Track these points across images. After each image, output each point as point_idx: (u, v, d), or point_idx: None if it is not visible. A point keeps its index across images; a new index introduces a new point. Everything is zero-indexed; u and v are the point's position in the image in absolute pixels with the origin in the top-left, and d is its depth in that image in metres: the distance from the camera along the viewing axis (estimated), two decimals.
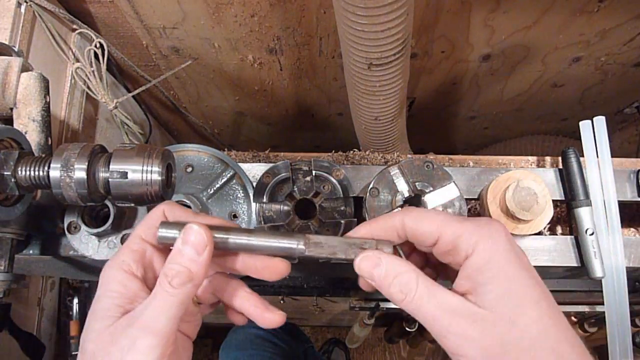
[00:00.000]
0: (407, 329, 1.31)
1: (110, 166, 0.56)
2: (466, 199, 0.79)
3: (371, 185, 0.74)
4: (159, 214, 0.46)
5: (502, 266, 0.38)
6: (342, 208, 0.78)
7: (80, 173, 0.56)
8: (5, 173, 0.59)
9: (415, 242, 0.45)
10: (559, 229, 0.90)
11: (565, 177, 0.80)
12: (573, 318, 1.13)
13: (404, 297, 0.40)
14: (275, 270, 0.46)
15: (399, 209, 0.72)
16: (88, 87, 1.04)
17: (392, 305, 1.10)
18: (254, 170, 0.82)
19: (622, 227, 0.78)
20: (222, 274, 0.48)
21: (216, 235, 0.44)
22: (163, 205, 0.46)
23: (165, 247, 0.44)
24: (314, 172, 0.76)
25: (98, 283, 0.43)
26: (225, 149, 0.91)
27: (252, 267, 0.46)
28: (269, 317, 0.46)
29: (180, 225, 0.43)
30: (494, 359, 0.36)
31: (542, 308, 0.37)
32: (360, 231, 0.47)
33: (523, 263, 0.39)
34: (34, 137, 0.75)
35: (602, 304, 0.78)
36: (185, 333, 0.48)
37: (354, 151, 0.92)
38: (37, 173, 0.59)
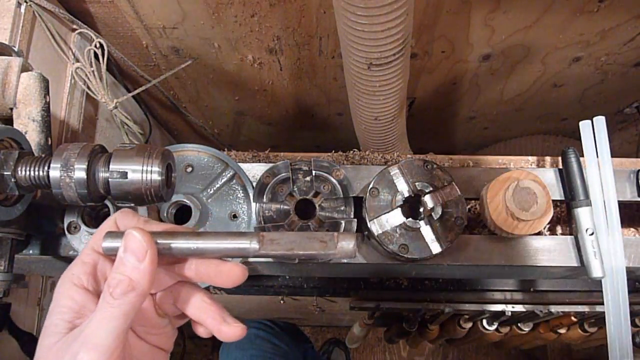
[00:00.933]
0: (407, 329, 1.31)
1: (110, 166, 0.56)
2: (466, 199, 0.79)
3: (371, 185, 0.74)
4: (111, 224, 0.44)
5: None
6: (342, 208, 0.78)
7: (80, 173, 0.56)
8: (5, 173, 0.59)
9: None
10: (559, 229, 0.90)
11: (565, 177, 0.80)
12: (573, 318, 1.13)
13: None
14: (229, 275, 0.43)
15: (399, 209, 0.72)
16: (88, 87, 1.04)
17: (392, 305, 1.10)
18: (254, 170, 0.82)
19: (622, 227, 0.78)
20: (182, 283, 0.46)
21: (159, 240, 0.41)
22: (116, 214, 0.45)
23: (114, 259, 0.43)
24: (314, 172, 0.76)
25: None
26: (225, 149, 0.91)
27: (204, 273, 0.43)
28: (226, 330, 0.43)
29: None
30: None
31: None
32: None
33: None
34: (34, 137, 0.75)
35: (602, 304, 0.78)
36: (157, 346, 0.46)
37: (354, 151, 0.92)
38: (37, 173, 0.59)
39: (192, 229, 0.45)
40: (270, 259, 0.79)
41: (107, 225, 0.44)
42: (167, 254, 0.42)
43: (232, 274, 0.43)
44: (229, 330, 0.43)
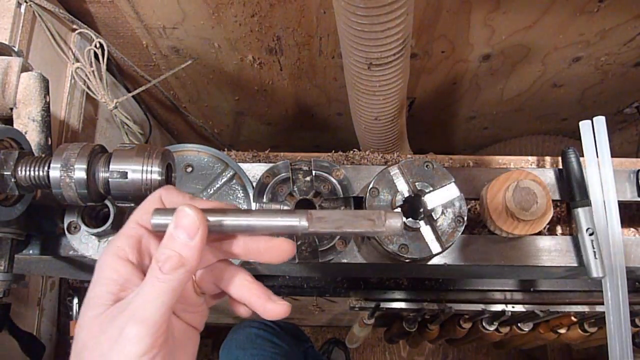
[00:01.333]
0: (407, 329, 1.31)
1: (110, 166, 0.56)
2: (466, 199, 0.79)
3: (371, 185, 0.74)
4: (156, 199, 0.44)
5: None
6: (342, 208, 0.78)
7: (80, 173, 0.56)
8: (5, 173, 0.59)
9: None
10: (559, 229, 0.90)
11: (565, 177, 0.80)
12: (573, 318, 1.13)
13: None
14: (279, 250, 0.43)
15: (399, 209, 0.72)
16: (88, 87, 1.04)
17: (392, 305, 1.10)
18: (254, 170, 0.82)
19: (622, 227, 0.78)
20: (223, 262, 0.46)
21: (210, 218, 0.41)
22: (160, 190, 0.44)
23: (161, 234, 0.43)
24: (314, 172, 0.76)
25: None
26: (225, 149, 0.91)
27: (254, 249, 0.44)
28: (272, 307, 0.44)
29: (174, 211, 0.41)
30: None
31: None
32: None
33: None
34: (34, 137, 0.75)
35: (602, 304, 0.78)
36: (190, 324, 0.46)
37: (354, 151, 0.92)
38: (37, 173, 0.59)
39: (238, 206, 0.45)
40: None
41: (153, 199, 0.43)
42: (218, 231, 0.42)
43: (282, 249, 0.43)
44: (276, 308, 0.44)
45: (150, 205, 0.43)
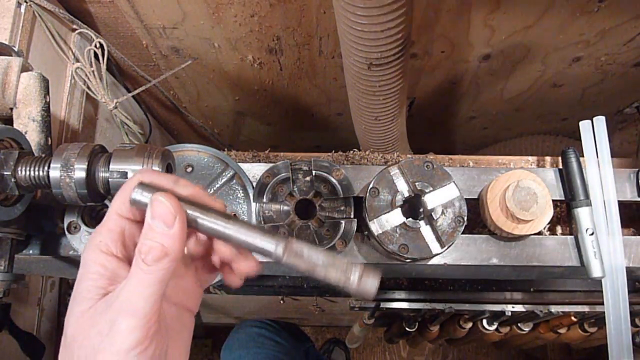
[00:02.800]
0: (407, 329, 1.31)
1: (110, 166, 0.56)
2: (466, 199, 0.79)
3: (371, 185, 0.74)
4: (134, 185, 0.42)
5: None
6: (342, 208, 0.78)
7: (80, 173, 0.56)
8: (5, 173, 0.59)
9: None
10: (559, 229, 0.90)
11: (565, 177, 0.80)
12: (573, 318, 1.13)
13: None
14: (246, 267, 0.44)
15: (399, 209, 0.72)
16: (88, 87, 1.04)
17: (392, 305, 1.10)
18: (254, 170, 0.82)
19: (622, 227, 0.78)
20: None
21: (188, 211, 0.40)
22: (137, 175, 0.42)
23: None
24: (314, 172, 0.76)
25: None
26: (225, 149, 0.91)
27: (223, 251, 0.44)
28: (246, 263, 0.45)
29: (157, 189, 0.40)
30: None
31: None
32: None
33: None
34: (34, 137, 0.75)
35: (602, 304, 0.78)
36: (185, 305, 0.46)
37: (354, 151, 0.92)
38: (37, 173, 0.59)
39: (218, 200, 0.44)
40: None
41: (130, 186, 0.42)
42: (194, 227, 0.41)
43: (250, 267, 0.44)
44: (249, 263, 0.45)
45: (127, 194, 0.41)
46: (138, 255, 0.37)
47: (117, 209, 0.41)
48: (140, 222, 0.41)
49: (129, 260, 0.40)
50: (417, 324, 1.29)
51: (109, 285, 0.39)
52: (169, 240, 0.38)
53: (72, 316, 0.39)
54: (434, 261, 0.77)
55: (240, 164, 0.80)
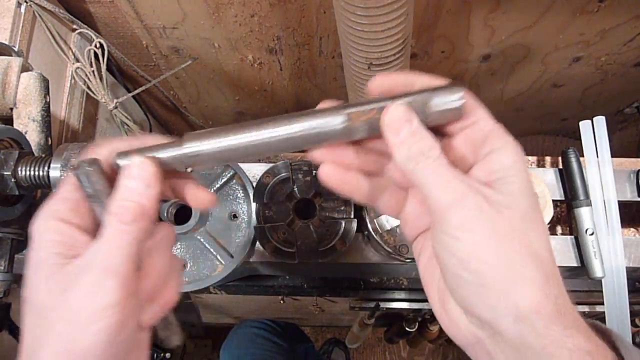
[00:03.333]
0: (407, 329, 1.31)
1: None
2: None
3: None
4: (94, 154, 0.41)
5: (523, 171, 0.37)
6: (342, 208, 0.78)
7: None
8: (5, 173, 0.59)
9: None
10: (559, 229, 0.90)
11: (565, 177, 0.80)
12: None
13: (424, 158, 0.36)
14: (201, 198, 0.44)
15: None
16: (88, 87, 1.04)
17: (392, 305, 1.10)
18: (254, 170, 0.82)
19: (622, 227, 0.78)
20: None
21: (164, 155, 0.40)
22: (92, 147, 0.41)
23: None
24: (314, 171, 0.76)
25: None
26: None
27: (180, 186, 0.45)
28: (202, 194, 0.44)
29: (136, 152, 0.40)
30: (503, 237, 0.35)
31: (545, 225, 0.39)
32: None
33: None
34: (34, 137, 0.75)
35: (602, 304, 0.78)
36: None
37: None
38: (37, 173, 0.59)
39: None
40: (270, 259, 0.80)
41: (91, 155, 0.41)
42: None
43: (205, 197, 0.44)
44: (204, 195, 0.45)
45: (87, 159, 0.40)
46: (113, 217, 0.37)
47: (74, 180, 0.40)
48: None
49: (85, 229, 0.40)
50: (417, 324, 1.29)
51: (69, 250, 0.38)
52: (147, 200, 0.38)
53: (36, 284, 0.37)
54: None
55: (240, 164, 0.80)
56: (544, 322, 0.34)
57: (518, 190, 0.36)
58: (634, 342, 0.79)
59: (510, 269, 0.34)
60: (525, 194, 0.37)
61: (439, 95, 0.40)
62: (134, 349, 0.40)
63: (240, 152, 0.39)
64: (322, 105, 0.41)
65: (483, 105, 0.41)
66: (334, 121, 0.38)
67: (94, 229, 0.40)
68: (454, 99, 0.39)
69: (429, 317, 1.27)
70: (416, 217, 0.44)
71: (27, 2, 0.88)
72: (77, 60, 1.03)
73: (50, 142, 0.77)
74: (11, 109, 0.76)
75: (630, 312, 0.77)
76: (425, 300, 1.08)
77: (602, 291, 0.78)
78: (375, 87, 0.42)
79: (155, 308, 0.41)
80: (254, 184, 0.78)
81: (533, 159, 0.91)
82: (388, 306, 1.10)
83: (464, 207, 0.35)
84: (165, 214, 0.74)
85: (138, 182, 0.38)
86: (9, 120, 0.77)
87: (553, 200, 0.76)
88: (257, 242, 0.78)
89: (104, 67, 1.04)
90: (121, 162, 0.39)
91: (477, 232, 0.35)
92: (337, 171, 0.41)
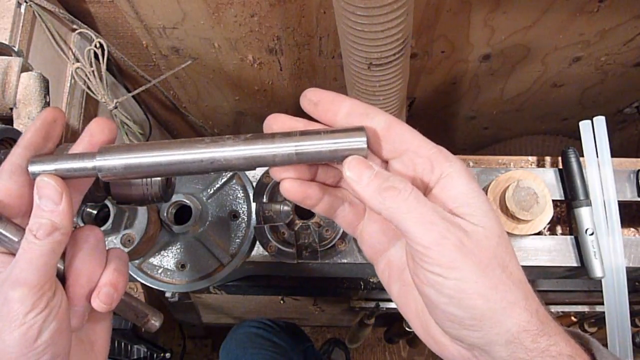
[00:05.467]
0: (407, 329, 1.31)
1: None
2: None
3: None
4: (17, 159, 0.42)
5: (478, 190, 0.39)
6: None
7: None
8: None
9: (386, 146, 0.41)
10: (559, 229, 0.90)
11: (565, 177, 0.80)
12: (573, 318, 1.13)
13: (397, 194, 0.36)
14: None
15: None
16: (88, 87, 1.04)
17: (392, 305, 1.10)
18: (254, 170, 0.82)
19: (622, 227, 0.78)
20: None
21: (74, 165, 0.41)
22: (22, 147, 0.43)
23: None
24: None
25: None
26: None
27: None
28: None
29: (51, 157, 0.42)
30: (486, 269, 0.36)
31: (500, 225, 0.40)
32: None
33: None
34: None
35: (602, 304, 0.78)
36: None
37: None
38: None
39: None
40: (270, 259, 0.79)
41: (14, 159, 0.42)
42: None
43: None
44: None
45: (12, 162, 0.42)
46: (29, 233, 0.40)
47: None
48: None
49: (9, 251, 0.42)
50: None
51: None
52: (58, 216, 0.40)
53: None
54: None
55: None
56: (532, 337, 0.36)
57: (484, 214, 0.38)
58: (634, 342, 0.79)
59: (500, 298, 0.36)
60: (489, 214, 0.38)
61: (345, 138, 0.40)
62: (75, 349, 0.43)
63: (153, 170, 0.41)
64: (272, 120, 0.44)
65: (417, 131, 0.41)
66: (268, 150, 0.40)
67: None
68: (358, 141, 0.39)
69: None
70: (375, 235, 0.45)
71: (27, 2, 0.88)
72: (77, 60, 1.03)
73: None
74: (11, 109, 0.76)
75: (630, 312, 0.77)
76: None
77: (602, 291, 0.78)
78: (306, 104, 0.44)
79: (97, 304, 0.44)
80: (254, 184, 0.78)
81: (533, 159, 0.91)
82: (388, 306, 1.10)
83: (447, 245, 0.35)
84: (165, 214, 0.74)
85: (47, 201, 0.40)
86: (9, 120, 0.77)
87: (553, 200, 0.76)
88: (257, 242, 0.78)
89: (104, 67, 1.04)
90: (33, 171, 0.42)
91: (463, 269, 0.35)
92: (297, 186, 0.43)
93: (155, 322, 0.51)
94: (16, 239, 0.42)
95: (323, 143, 0.40)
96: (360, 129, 0.39)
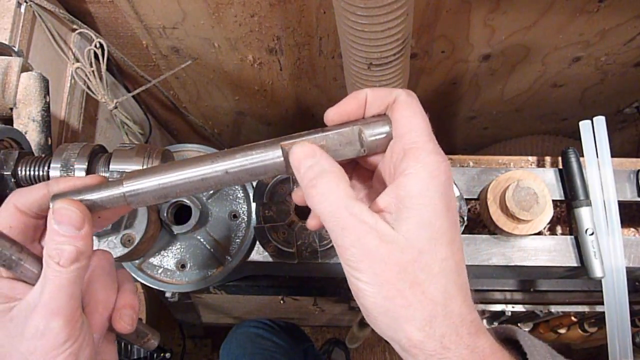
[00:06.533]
0: None
1: (110, 166, 0.56)
2: (466, 199, 0.79)
3: None
4: (41, 191, 0.42)
5: (433, 199, 0.37)
6: None
7: (80, 173, 0.56)
8: (5, 173, 0.59)
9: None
10: (559, 229, 0.90)
11: (565, 177, 0.80)
12: (573, 318, 1.13)
13: (316, 192, 0.38)
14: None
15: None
16: (88, 87, 1.04)
17: None
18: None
19: (622, 227, 0.78)
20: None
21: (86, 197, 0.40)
22: (50, 182, 0.43)
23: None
24: None
25: None
26: (225, 149, 0.91)
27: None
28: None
29: (69, 194, 0.41)
30: (387, 280, 0.36)
31: (452, 250, 0.38)
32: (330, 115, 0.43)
33: (451, 204, 0.39)
34: (34, 137, 0.75)
35: (602, 304, 0.78)
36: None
37: None
38: (37, 173, 0.59)
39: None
40: (270, 259, 0.79)
41: (39, 188, 0.42)
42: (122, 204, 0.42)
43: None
44: None
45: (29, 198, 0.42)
46: (50, 260, 0.39)
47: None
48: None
49: (18, 278, 0.42)
50: None
51: (7, 301, 0.40)
52: (81, 241, 0.39)
53: None
54: None
55: None
56: (425, 356, 0.36)
57: (417, 224, 0.37)
58: (634, 342, 0.79)
59: (393, 310, 0.36)
60: (426, 226, 0.37)
61: (370, 127, 0.41)
62: None
63: (181, 188, 0.40)
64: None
65: (421, 117, 0.41)
66: (272, 154, 0.40)
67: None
68: (382, 130, 0.41)
69: None
70: None
71: (27, 2, 0.88)
72: (77, 60, 1.03)
73: (50, 142, 0.77)
74: (11, 109, 0.76)
75: (630, 312, 0.77)
76: None
77: (602, 291, 0.78)
78: (330, 121, 0.43)
79: (121, 326, 0.44)
80: (254, 184, 0.78)
81: (533, 159, 0.91)
82: None
83: (356, 251, 0.36)
84: (165, 214, 0.74)
85: (68, 227, 0.39)
86: (9, 120, 0.77)
87: (553, 200, 0.76)
88: (257, 242, 0.78)
89: (104, 67, 1.04)
90: (54, 204, 0.41)
91: (366, 273, 0.37)
92: None
93: (154, 342, 0.51)
94: (34, 268, 0.41)
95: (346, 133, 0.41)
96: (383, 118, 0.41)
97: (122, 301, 0.45)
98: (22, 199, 0.42)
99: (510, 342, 0.41)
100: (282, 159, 0.40)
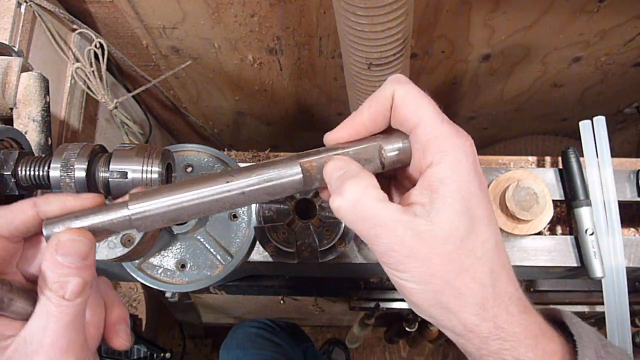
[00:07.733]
0: (407, 329, 1.31)
1: (110, 166, 0.56)
2: None
3: None
4: (28, 209, 0.38)
5: (466, 182, 0.37)
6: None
7: (80, 173, 0.56)
8: (5, 173, 0.59)
9: (394, 123, 0.41)
10: (559, 229, 0.90)
11: (565, 177, 0.80)
12: None
13: (342, 200, 0.37)
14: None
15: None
16: (88, 87, 1.04)
17: (392, 305, 1.10)
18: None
19: (622, 227, 0.78)
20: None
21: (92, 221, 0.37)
22: (35, 200, 0.39)
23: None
24: None
25: None
26: (225, 149, 0.91)
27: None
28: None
29: (66, 218, 0.37)
30: (434, 275, 0.35)
31: (491, 231, 0.37)
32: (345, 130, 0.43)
33: (483, 184, 0.38)
34: (34, 137, 0.75)
35: (602, 304, 0.78)
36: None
37: None
38: (37, 173, 0.59)
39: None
40: (270, 259, 0.79)
41: (23, 209, 0.38)
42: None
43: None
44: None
45: (16, 215, 0.38)
46: (52, 294, 0.36)
47: None
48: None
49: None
50: (417, 324, 1.29)
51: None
52: (87, 271, 0.37)
53: None
54: None
55: (240, 164, 0.80)
56: (480, 339, 0.36)
57: (455, 212, 0.36)
58: (634, 342, 0.79)
59: (444, 302, 0.36)
60: (464, 212, 0.36)
61: (389, 143, 0.40)
62: None
63: (193, 210, 0.37)
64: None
65: (425, 103, 0.41)
66: (290, 172, 0.39)
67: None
68: (401, 146, 0.40)
69: None
70: None
71: (27, 2, 0.88)
72: (77, 60, 1.03)
73: (50, 142, 0.77)
74: (11, 109, 0.76)
75: (630, 312, 0.77)
76: None
77: (602, 291, 0.78)
78: (330, 142, 0.44)
79: (120, 343, 0.42)
80: None
81: (533, 159, 0.91)
82: (388, 306, 1.10)
83: (397, 254, 0.36)
84: None
85: (74, 258, 0.36)
86: (9, 120, 0.77)
87: (553, 200, 0.76)
88: (257, 242, 0.78)
89: (104, 67, 1.04)
90: (50, 232, 0.37)
91: (410, 272, 0.36)
92: None
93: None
94: (26, 306, 0.37)
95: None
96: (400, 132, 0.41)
97: (114, 317, 0.43)
98: (1, 220, 0.38)
99: (556, 323, 0.40)
100: (301, 176, 0.39)
